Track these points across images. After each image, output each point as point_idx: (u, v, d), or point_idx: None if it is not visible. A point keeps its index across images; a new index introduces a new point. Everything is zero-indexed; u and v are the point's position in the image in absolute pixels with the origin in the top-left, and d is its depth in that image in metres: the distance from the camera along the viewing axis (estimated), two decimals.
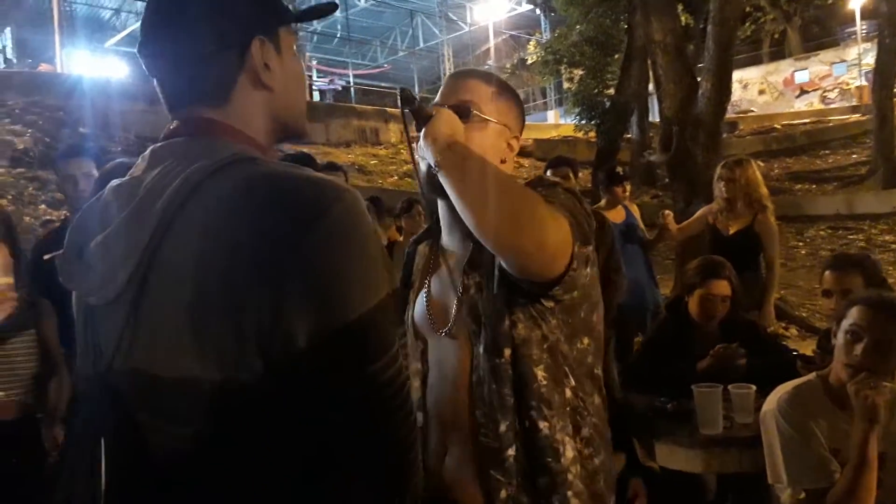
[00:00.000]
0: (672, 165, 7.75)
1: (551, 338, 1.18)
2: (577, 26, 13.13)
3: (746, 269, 3.32)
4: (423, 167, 1.23)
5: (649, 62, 8.62)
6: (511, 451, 1.16)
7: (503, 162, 1.31)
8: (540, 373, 1.17)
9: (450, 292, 1.28)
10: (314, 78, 20.22)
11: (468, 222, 1.10)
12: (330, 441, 0.73)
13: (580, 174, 4.32)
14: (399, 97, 1.21)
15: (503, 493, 1.16)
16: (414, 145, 1.24)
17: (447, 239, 1.34)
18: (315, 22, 20.67)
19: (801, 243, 10.10)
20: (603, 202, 4.23)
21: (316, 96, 18.73)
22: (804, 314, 6.76)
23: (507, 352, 1.17)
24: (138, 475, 0.77)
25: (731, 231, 3.73)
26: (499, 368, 1.17)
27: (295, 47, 0.94)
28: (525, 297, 1.16)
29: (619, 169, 4.46)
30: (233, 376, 0.72)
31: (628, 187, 4.29)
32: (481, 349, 1.19)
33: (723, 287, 2.69)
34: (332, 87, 19.83)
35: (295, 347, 0.71)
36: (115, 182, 0.83)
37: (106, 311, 0.79)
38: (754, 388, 2.15)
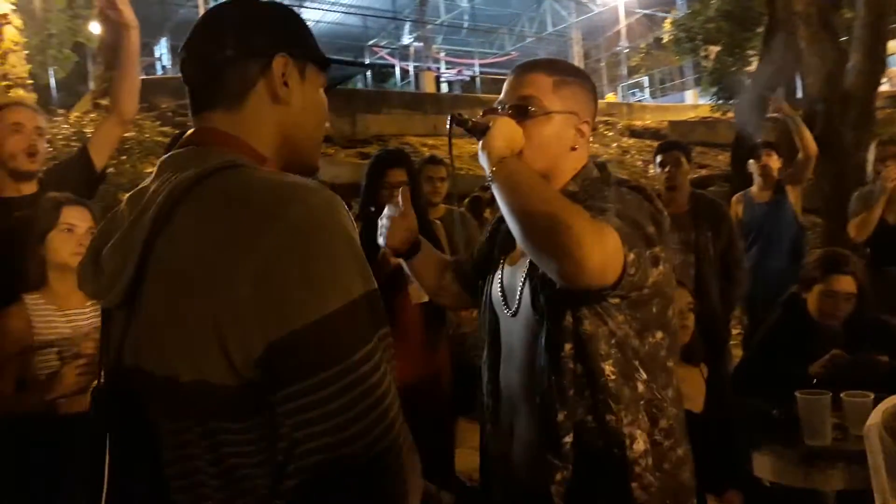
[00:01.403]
0: (818, 145, 7.13)
1: (619, 333, 1.20)
2: (712, 1, 12.31)
3: None
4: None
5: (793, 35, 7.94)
6: (568, 439, 1.19)
7: (574, 149, 1.32)
8: (608, 367, 1.19)
9: (521, 275, 1.32)
10: (442, 70, 20.52)
11: (515, 236, 1.16)
12: (301, 446, 0.74)
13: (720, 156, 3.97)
14: (449, 122, 1.27)
15: (558, 476, 1.19)
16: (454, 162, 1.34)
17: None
18: (443, 13, 20.96)
19: None
20: (754, 181, 3.90)
21: (444, 88, 19.02)
22: None
23: (568, 346, 1.20)
24: (138, 468, 0.83)
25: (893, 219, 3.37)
26: (559, 362, 1.20)
27: (322, 91, 0.97)
28: (586, 295, 1.18)
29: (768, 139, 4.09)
30: (204, 378, 0.75)
31: (770, 159, 3.83)
32: (543, 340, 1.22)
33: (847, 283, 2.43)
34: (459, 77, 20.04)
35: (254, 352, 0.73)
36: (131, 192, 0.90)
37: (115, 313, 0.86)
38: (872, 396, 1.93)
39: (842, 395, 1.97)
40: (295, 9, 1.00)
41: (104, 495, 0.85)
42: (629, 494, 1.17)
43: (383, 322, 0.79)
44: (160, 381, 0.78)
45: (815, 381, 2.19)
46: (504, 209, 1.16)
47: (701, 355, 2.19)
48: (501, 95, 1.34)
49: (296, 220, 0.75)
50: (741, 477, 2.01)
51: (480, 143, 1.22)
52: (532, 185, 1.15)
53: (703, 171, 11.22)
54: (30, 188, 2.29)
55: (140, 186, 0.88)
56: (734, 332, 4.15)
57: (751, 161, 3.89)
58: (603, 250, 1.08)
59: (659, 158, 3.34)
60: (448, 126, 1.27)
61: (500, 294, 1.38)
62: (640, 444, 1.18)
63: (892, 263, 3.40)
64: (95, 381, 0.91)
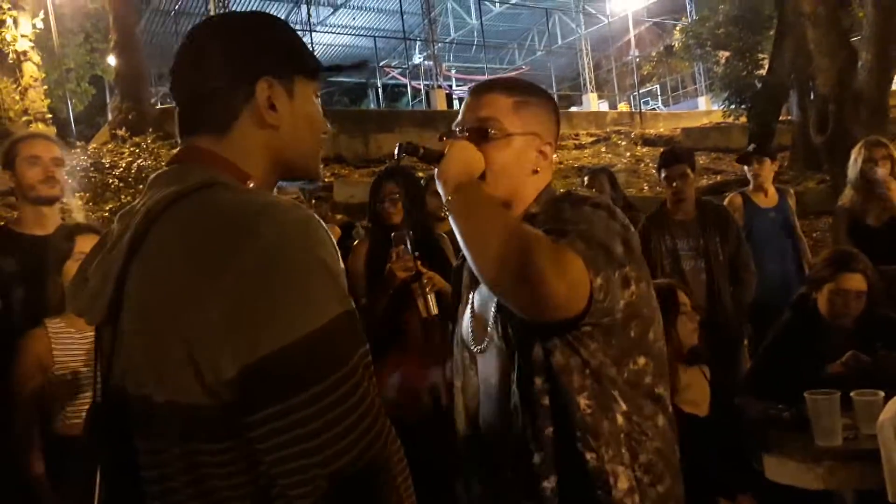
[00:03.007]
0: (829, 147, 7.05)
1: (593, 362, 1.11)
2: (721, 6, 12.28)
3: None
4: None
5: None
6: (549, 483, 1.11)
7: (536, 172, 1.25)
8: (583, 401, 1.11)
9: (490, 308, 1.24)
10: (453, 87, 20.62)
11: (472, 269, 1.09)
12: (280, 466, 0.73)
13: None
14: (398, 152, 1.22)
15: None
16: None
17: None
18: (452, 32, 21.10)
19: None
20: (749, 186, 3.85)
21: (456, 104, 19.12)
22: None
23: (539, 381, 1.12)
24: (122, 487, 0.84)
25: (873, 221, 3.32)
26: (532, 398, 1.13)
27: (315, 97, 0.96)
28: (559, 325, 1.10)
29: (751, 147, 4.01)
30: (176, 398, 0.75)
31: (767, 165, 3.76)
32: (514, 375, 1.15)
33: (857, 282, 2.41)
34: None
35: (225, 375, 0.72)
36: (122, 211, 0.90)
37: (103, 330, 0.87)
38: (882, 394, 1.91)
39: (852, 394, 1.94)
40: (306, 34, 0.98)
41: None
42: None
43: (362, 341, 0.78)
44: (137, 400, 0.78)
45: (826, 380, 2.16)
46: (461, 241, 1.09)
47: (704, 357, 2.17)
48: (458, 117, 1.27)
49: (267, 241, 0.73)
50: (752, 480, 1.99)
51: (436, 170, 1.16)
52: (489, 214, 1.08)
53: (718, 177, 11.13)
54: (52, 214, 2.36)
55: (130, 206, 0.88)
56: None
57: (745, 168, 3.86)
58: (566, 281, 1.01)
59: (664, 174, 3.33)
60: (395, 156, 1.22)
61: (469, 330, 1.30)
62: (624, 482, 1.09)
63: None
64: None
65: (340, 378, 0.73)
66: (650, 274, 1.21)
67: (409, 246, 2.32)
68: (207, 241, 0.76)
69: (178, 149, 0.92)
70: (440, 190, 1.15)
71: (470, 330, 1.31)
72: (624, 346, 1.13)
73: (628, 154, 13.56)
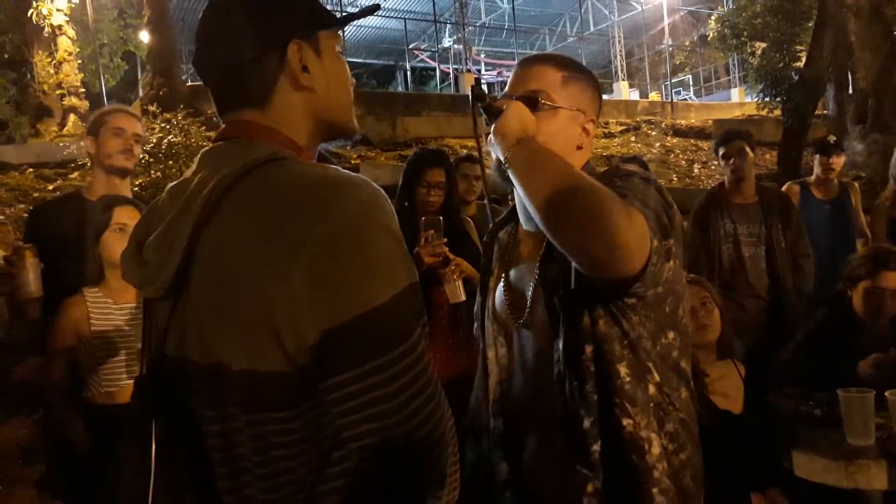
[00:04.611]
0: (867, 142, 6.91)
1: (632, 334, 1.14)
2: None
3: None
4: (493, 159, 1.23)
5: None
6: (596, 447, 1.14)
7: (580, 148, 1.27)
8: (623, 369, 1.14)
9: (529, 281, 1.26)
10: (482, 72, 20.50)
11: (537, 221, 1.07)
12: (348, 431, 0.76)
13: (767, 155, 3.73)
14: (471, 93, 1.22)
15: (590, 488, 1.13)
16: (483, 140, 1.25)
17: (526, 225, 1.32)
18: (483, 15, 20.92)
19: None
20: (812, 176, 3.76)
21: (484, 89, 18.95)
22: None
23: (589, 349, 1.14)
24: (181, 457, 0.85)
25: None
26: (580, 365, 1.15)
27: (339, 48, 0.96)
28: (605, 293, 1.12)
29: (831, 138, 3.87)
30: (255, 366, 0.77)
31: (837, 160, 3.65)
32: (560, 344, 1.17)
33: (894, 280, 2.36)
34: (500, 79, 19.99)
35: (306, 341, 0.75)
36: (172, 184, 0.91)
37: (158, 304, 0.88)
38: None
39: (886, 393, 1.91)
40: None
41: (151, 484, 0.87)
42: (652, 501, 1.12)
43: (423, 312, 0.81)
44: (207, 370, 0.80)
45: (857, 379, 2.12)
46: (524, 193, 1.09)
47: (734, 351, 2.14)
48: (507, 88, 1.28)
49: (347, 214, 0.77)
50: (782, 476, 1.97)
51: (493, 126, 1.17)
52: (556, 164, 1.08)
53: None
54: (124, 186, 2.41)
55: (182, 178, 0.89)
56: None
57: (817, 157, 3.69)
58: (631, 235, 1.00)
59: (722, 151, 3.24)
60: (470, 96, 1.22)
61: (505, 303, 1.32)
62: (656, 448, 1.14)
63: None
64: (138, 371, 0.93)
65: (410, 346, 0.77)
66: (709, 259, 1.22)
67: (440, 231, 2.30)
68: (285, 216, 0.77)
69: (223, 125, 0.92)
70: (497, 145, 1.16)
71: (506, 304, 1.32)
72: (660, 321, 1.16)
73: (658, 144, 13.41)
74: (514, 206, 1.37)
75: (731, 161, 3.17)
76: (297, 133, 0.91)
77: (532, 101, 1.21)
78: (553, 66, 1.26)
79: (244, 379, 0.77)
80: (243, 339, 0.77)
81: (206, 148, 0.91)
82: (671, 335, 1.18)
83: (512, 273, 1.33)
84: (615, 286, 1.09)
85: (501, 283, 1.34)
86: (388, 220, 0.80)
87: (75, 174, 8.87)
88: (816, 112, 11.53)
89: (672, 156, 12.99)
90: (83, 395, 2.06)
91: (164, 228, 0.84)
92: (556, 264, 1.18)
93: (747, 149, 3.17)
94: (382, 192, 0.82)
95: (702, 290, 2.15)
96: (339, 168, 0.85)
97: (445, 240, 2.31)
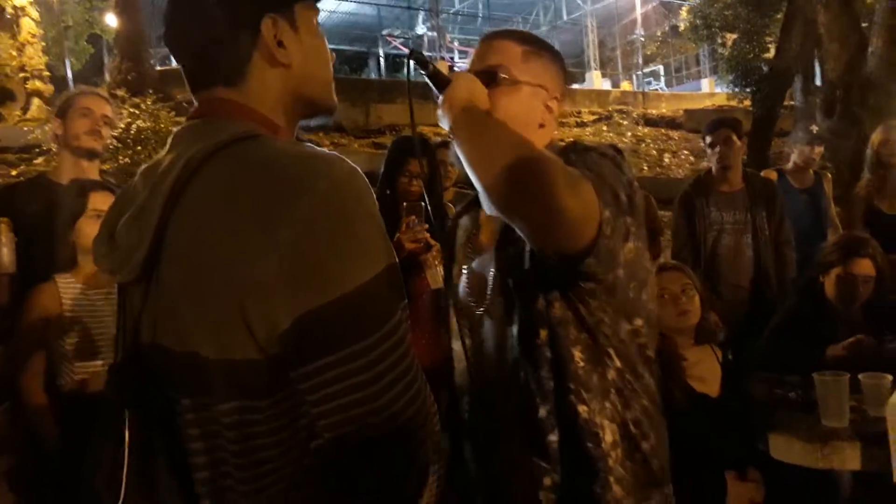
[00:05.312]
0: (835, 133, 7.03)
1: (591, 319, 1.11)
2: None
3: None
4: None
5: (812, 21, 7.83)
6: (553, 437, 1.10)
7: (542, 126, 1.22)
8: (577, 353, 1.11)
9: (490, 267, 1.22)
10: (455, 59, 20.41)
11: (478, 188, 1.03)
12: (325, 419, 0.73)
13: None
14: (409, 59, 1.15)
15: (547, 481, 1.10)
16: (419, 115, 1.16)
17: (488, 210, 1.26)
18: (457, 3, 20.81)
19: None
20: (790, 164, 3.78)
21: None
22: None
23: (544, 333, 1.11)
24: (157, 446, 0.82)
25: (887, 209, 3.30)
26: (535, 350, 1.11)
27: (316, 22, 0.92)
28: (560, 273, 1.08)
29: (814, 128, 3.90)
30: (226, 354, 0.74)
31: (819, 150, 3.70)
32: (514, 330, 1.13)
33: (865, 266, 2.41)
34: None
35: (278, 327, 0.71)
36: (144, 166, 0.88)
37: (131, 289, 0.85)
38: (890, 377, 1.92)
39: (860, 376, 1.95)
40: None
41: (125, 473, 0.84)
42: (609, 491, 1.08)
43: (403, 295, 0.78)
44: (181, 357, 0.77)
45: (829, 363, 2.16)
46: (468, 162, 1.02)
47: (714, 336, 2.17)
48: (468, 63, 1.23)
49: (322, 194, 0.73)
50: (758, 457, 2.00)
51: (441, 96, 1.11)
52: (498, 132, 1.03)
53: None
54: (92, 170, 2.34)
55: (154, 160, 0.85)
56: None
57: (795, 146, 3.72)
58: (578, 199, 0.97)
59: (708, 139, 3.25)
60: (406, 63, 1.14)
61: (466, 290, 1.28)
62: (609, 436, 1.10)
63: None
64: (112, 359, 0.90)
65: (389, 331, 0.74)
66: (693, 248, 1.19)
67: (421, 217, 2.28)
68: (259, 195, 0.74)
69: (196, 104, 0.88)
70: (443, 115, 1.11)
71: (468, 291, 1.28)
72: (623, 306, 1.13)
73: (630, 134, 13.51)
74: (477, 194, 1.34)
75: (718, 149, 3.18)
76: (273, 111, 0.88)
77: (491, 75, 1.17)
78: (514, 41, 1.22)
79: (219, 367, 0.75)
80: (214, 325, 0.74)
81: (179, 127, 0.88)
82: (638, 321, 1.15)
83: (475, 260, 1.29)
84: (568, 262, 1.03)
85: (465, 271, 1.31)
86: (365, 199, 0.77)
87: (40, 159, 8.63)
88: (784, 103, 11.73)
89: (643, 145, 13.11)
90: (56, 383, 2.01)
91: (135, 211, 0.81)
92: (513, 246, 1.15)
93: (734, 137, 3.19)
94: (359, 169, 0.79)
95: (683, 276, 2.16)
96: (315, 146, 0.82)
97: (427, 226, 2.30)
